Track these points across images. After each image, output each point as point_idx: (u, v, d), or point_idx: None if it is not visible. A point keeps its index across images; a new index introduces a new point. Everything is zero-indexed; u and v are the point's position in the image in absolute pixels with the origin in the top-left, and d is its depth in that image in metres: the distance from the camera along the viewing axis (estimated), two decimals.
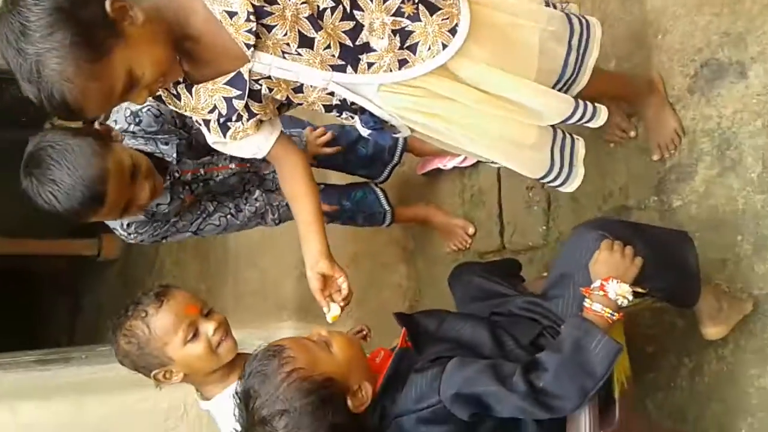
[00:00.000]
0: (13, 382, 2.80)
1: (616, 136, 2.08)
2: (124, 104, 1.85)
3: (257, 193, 2.20)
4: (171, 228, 2.06)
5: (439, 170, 2.63)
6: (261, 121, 1.53)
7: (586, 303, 1.34)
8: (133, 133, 1.88)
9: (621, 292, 1.32)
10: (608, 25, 2.03)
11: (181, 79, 1.46)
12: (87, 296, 6.19)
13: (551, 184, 1.74)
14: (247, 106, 1.47)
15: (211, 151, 2.01)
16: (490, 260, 2.11)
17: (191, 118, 1.83)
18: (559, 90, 1.63)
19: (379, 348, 1.56)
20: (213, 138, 1.55)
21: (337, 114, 1.61)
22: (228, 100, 1.45)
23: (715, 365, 1.84)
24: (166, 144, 1.92)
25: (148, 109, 1.86)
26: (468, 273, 1.82)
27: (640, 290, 1.37)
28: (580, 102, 1.62)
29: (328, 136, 2.32)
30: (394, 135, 1.74)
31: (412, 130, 1.66)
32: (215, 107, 1.47)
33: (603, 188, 2.13)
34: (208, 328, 1.63)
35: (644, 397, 1.97)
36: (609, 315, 1.31)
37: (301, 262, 3.26)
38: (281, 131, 1.59)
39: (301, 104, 1.57)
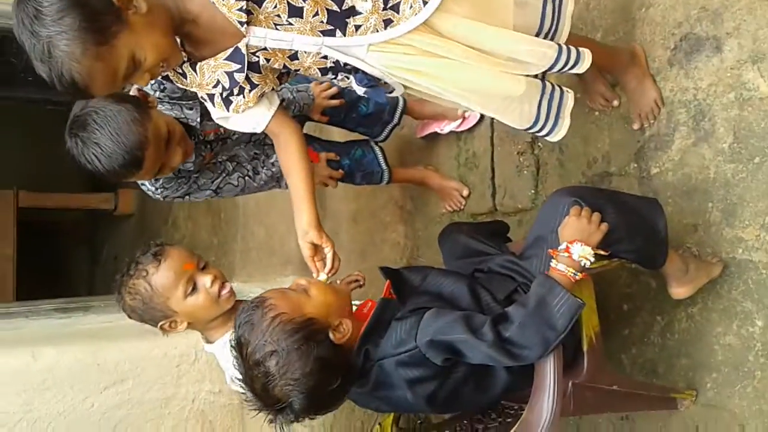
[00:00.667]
0: (34, 329, 2.99)
1: (600, 105, 2.16)
2: None
3: (274, 157, 2.29)
4: (193, 185, 2.16)
5: (436, 134, 2.71)
6: (262, 94, 1.64)
7: (552, 263, 1.46)
8: (160, 99, 1.97)
9: (584, 253, 1.43)
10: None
11: (185, 59, 1.57)
12: (105, 248, 6.38)
13: (537, 134, 1.82)
14: (248, 78, 1.58)
15: None
16: (480, 221, 2.21)
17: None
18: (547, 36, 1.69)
19: (368, 299, 1.69)
20: (217, 113, 1.66)
21: (333, 76, 1.69)
22: (230, 74, 1.56)
23: (684, 323, 1.95)
24: (191, 109, 2.01)
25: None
26: (456, 231, 1.93)
27: (602, 252, 1.48)
28: (563, 46, 1.68)
29: (333, 90, 2.40)
30: (388, 93, 1.81)
31: (406, 87, 1.74)
32: (218, 82, 1.58)
33: (587, 155, 2.22)
34: (205, 281, 1.77)
35: (619, 351, 2.10)
36: (572, 274, 1.43)
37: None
38: (278, 107, 1.70)
39: (298, 70, 1.66)
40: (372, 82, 1.70)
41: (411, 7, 1.53)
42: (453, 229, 1.96)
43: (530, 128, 1.77)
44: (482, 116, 2.58)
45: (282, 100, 1.77)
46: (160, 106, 1.98)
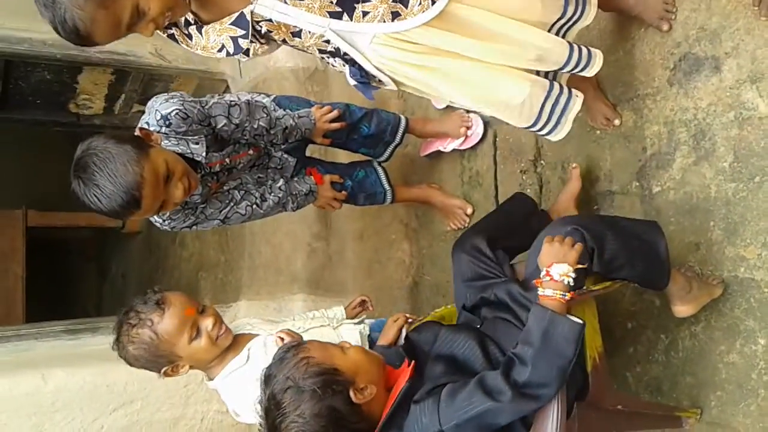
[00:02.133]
0: (44, 350, 3.01)
1: (602, 124, 2.17)
2: (155, 108, 1.98)
3: (281, 182, 2.33)
4: (200, 215, 2.18)
5: (440, 152, 2.74)
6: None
7: (539, 291, 1.46)
8: (166, 134, 1.99)
9: (563, 272, 1.44)
10: (596, 19, 2.12)
11: (192, 21, 1.59)
12: (113, 265, 6.43)
13: (537, 133, 1.82)
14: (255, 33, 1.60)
15: (231, 142, 2.16)
16: (489, 216, 2.12)
17: (213, 116, 2.02)
18: (565, 25, 1.71)
19: (404, 366, 1.61)
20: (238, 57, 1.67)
21: (329, 58, 1.70)
22: (234, 40, 1.59)
23: (688, 341, 1.96)
24: (197, 144, 2.03)
25: (176, 113, 1.97)
26: (459, 250, 1.89)
27: (581, 266, 1.48)
28: (575, 46, 1.68)
29: (335, 113, 2.42)
30: (373, 91, 1.81)
31: (398, 86, 1.75)
32: (223, 46, 1.60)
33: (590, 173, 2.23)
34: (207, 324, 1.80)
35: (624, 369, 2.11)
36: (561, 296, 1.43)
37: (312, 238, 3.45)
38: None
39: (296, 47, 1.68)
40: (364, 78, 1.71)
41: (420, 3, 1.55)
42: (458, 247, 1.93)
43: (529, 127, 1.78)
44: (485, 134, 2.61)
45: None
46: (165, 141, 2.00)
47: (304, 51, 1.71)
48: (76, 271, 6.89)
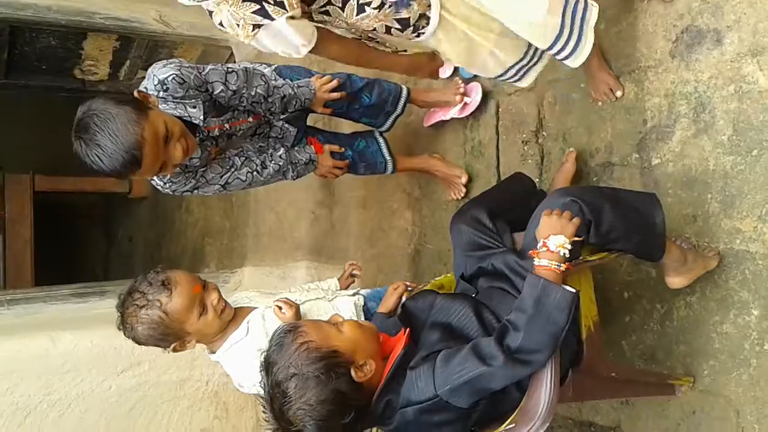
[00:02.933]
0: (52, 313, 3.09)
1: (604, 95, 2.18)
2: (153, 73, 2.02)
3: (281, 150, 2.35)
4: (201, 179, 2.21)
5: (443, 122, 2.75)
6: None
7: (535, 261, 1.49)
8: (163, 98, 2.03)
9: (560, 243, 1.47)
10: None
11: None
12: (120, 229, 6.49)
13: (558, 56, 1.84)
14: None
15: (230, 108, 2.18)
16: (486, 191, 2.15)
17: (210, 82, 2.03)
18: None
19: (402, 333, 1.64)
20: (277, 20, 1.70)
21: None
22: None
23: (683, 311, 2.00)
24: (194, 107, 2.07)
25: (173, 78, 2.00)
26: (460, 221, 1.91)
27: (577, 239, 1.51)
28: None
29: (334, 83, 2.43)
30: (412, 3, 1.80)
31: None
32: None
33: (590, 145, 2.25)
34: (212, 299, 1.85)
35: (620, 337, 2.15)
36: (556, 266, 1.46)
37: (316, 206, 3.49)
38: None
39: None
40: None
41: None
42: (458, 218, 1.95)
43: (553, 45, 1.79)
44: (486, 104, 2.61)
45: None
46: (163, 105, 2.03)
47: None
48: (83, 235, 6.95)
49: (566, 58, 1.86)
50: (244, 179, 2.30)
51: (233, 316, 1.92)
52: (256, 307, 1.99)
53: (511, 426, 1.57)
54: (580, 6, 1.78)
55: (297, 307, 1.95)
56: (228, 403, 3.01)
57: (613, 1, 2.15)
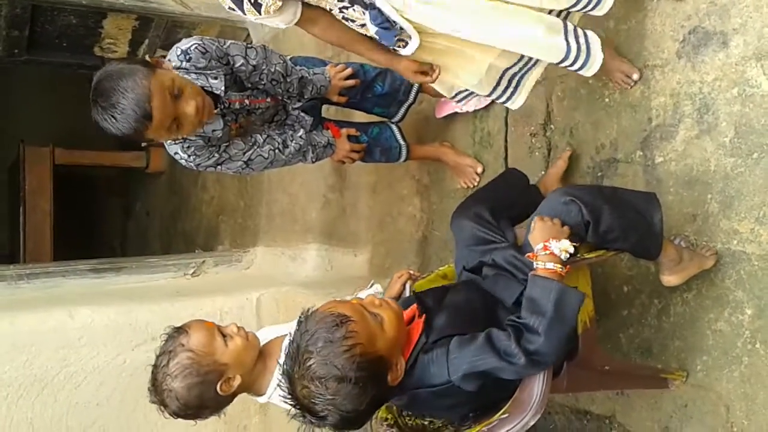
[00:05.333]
0: (70, 288, 3.19)
1: (622, 81, 2.16)
2: (175, 45, 2.10)
3: (301, 131, 2.40)
4: (224, 154, 2.26)
5: (455, 113, 2.78)
6: None
7: (538, 264, 1.53)
8: (186, 69, 2.08)
9: (563, 247, 1.52)
10: None
11: None
12: (137, 203, 6.59)
13: (571, 68, 1.87)
14: None
15: (250, 87, 2.24)
16: (487, 186, 2.21)
17: (231, 55, 2.11)
18: None
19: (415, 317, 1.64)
20: (250, 17, 1.75)
21: (348, 4, 1.75)
22: None
23: (679, 307, 2.04)
24: (215, 78, 2.12)
25: (196, 47, 2.07)
26: (462, 216, 1.94)
27: (576, 245, 1.56)
28: None
29: (348, 71, 2.48)
30: (399, 45, 1.85)
31: (420, 34, 1.78)
32: None
33: (596, 140, 2.28)
34: (232, 328, 1.77)
35: (618, 330, 2.20)
36: (560, 269, 1.51)
37: (328, 190, 3.54)
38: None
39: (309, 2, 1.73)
40: (385, 24, 1.75)
41: None
42: (460, 213, 1.98)
43: (563, 61, 1.84)
44: None
45: None
46: (186, 76, 2.07)
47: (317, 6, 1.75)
48: (102, 208, 7.07)
49: (579, 69, 1.89)
50: (266, 157, 2.34)
51: (268, 350, 1.81)
52: (285, 334, 1.82)
53: (504, 416, 1.63)
54: (580, 32, 1.82)
55: None
56: None
57: (623, 0, 2.17)
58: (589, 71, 1.88)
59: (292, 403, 1.45)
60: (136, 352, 2.92)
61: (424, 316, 1.64)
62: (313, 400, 1.41)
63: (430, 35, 1.83)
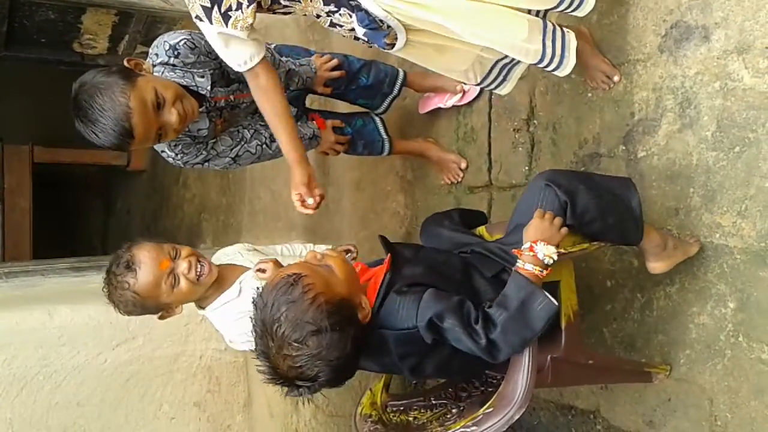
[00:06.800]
0: (50, 286, 3.14)
1: (602, 82, 2.18)
2: (163, 39, 2.04)
3: None
4: (212, 151, 2.23)
5: (438, 108, 2.78)
6: (256, 15, 1.70)
7: (519, 263, 1.53)
8: (173, 65, 2.03)
9: (548, 252, 1.52)
10: None
11: None
12: (118, 201, 6.53)
13: (546, 69, 1.89)
14: None
15: (237, 80, 2.20)
16: (459, 209, 2.25)
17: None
18: None
19: (357, 263, 1.76)
20: (215, 29, 1.70)
21: (335, 8, 1.74)
22: None
23: (662, 301, 2.05)
24: (202, 77, 2.07)
25: (185, 42, 2.01)
26: (438, 226, 1.95)
27: (563, 251, 1.56)
28: None
29: (334, 62, 2.46)
30: (386, 43, 1.84)
31: (408, 32, 1.78)
32: None
33: (579, 135, 2.28)
34: (183, 269, 1.88)
35: (601, 325, 2.20)
36: (539, 271, 1.52)
37: None
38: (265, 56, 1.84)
39: (299, 1, 1.71)
40: (373, 24, 1.74)
41: None
42: (434, 224, 1.98)
43: (539, 63, 1.85)
44: (482, 90, 2.64)
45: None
46: (170, 73, 2.03)
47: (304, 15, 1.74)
48: (82, 206, 7.00)
49: (553, 71, 1.90)
50: (254, 152, 2.32)
51: (224, 275, 1.97)
52: (247, 267, 2.02)
53: (489, 410, 1.63)
54: (558, 34, 1.83)
55: (275, 261, 1.99)
56: (221, 378, 3.07)
57: None
58: (563, 72, 1.89)
59: (280, 382, 1.46)
60: (117, 351, 2.90)
61: (389, 255, 1.68)
62: (299, 366, 1.41)
63: (416, 32, 1.82)
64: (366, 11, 1.69)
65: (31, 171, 5.42)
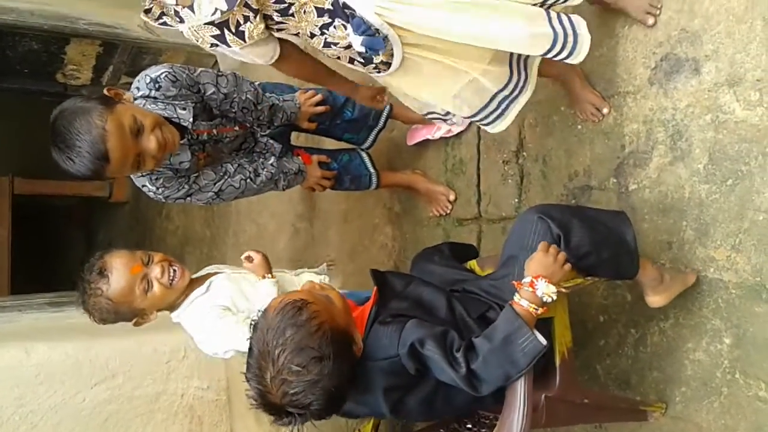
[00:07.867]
0: (28, 322, 3.07)
1: (591, 114, 2.16)
2: (144, 73, 2.02)
3: (272, 159, 2.34)
4: (194, 185, 2.18)
5: (427, 140, 2.75)
6: (265, 24, 1.68)
7: (516, 297, 1.50)
8: (154, 98, 2.01)
9: (547, 291, 1.48)
10: (581, 14, 2.12)
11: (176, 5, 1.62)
12: (100, 233, 6.44)
13: (559, 57, 1.79)
14: (247, 5, 1.59)
15: (220, 114, 2.18)
16: (449, 242, 2.26)
17: (202, 83, 2.07)
18: None
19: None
20: (235, 48, 1.68)
21: (329, 19, 1.70)
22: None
23: (657, 337, 2.01)
24: (184, 109, 2.04)
25: (166, 75, 2.00)
26: (428, 262, 1.95)
27: (563, 290, 1.52)
28: None
29: (318, 97, 2.44)
30: (383, 66, 1.82)
31: (403, 43, 1.74)
32: (216, 9, 1.57)
33: (569, 167, 2.26)
34: (155, 274, 1.89)
35: (594, 361, 2.16)
36: (534, 309, 1.48)
37: (297, 219, 3.46)
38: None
39: (292, 15, 1.69)
40: (370, 31, 1.71)
41: None
42: (425, 260, 1.97)
43: (550, 50, 1.76)
44: (470, 122, 2.62)
45: None
46: (152, 105, 2.00)
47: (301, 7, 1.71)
48: (63, 238, 6.89)
49: (567, 57, 1.80)
50: (238, 186, 2.27)
51: (197, 281, 1.98)
52: (214, 271, 2.05)
53: None
54: (564, 18, 1.78)
55: (264, 254, 2.06)
56: (203, 417, 2.99)
57: (595, 26, 2.15)
58: (578, 58, 1.79)
59: (268, 409, 1.42)
60: (96, 390, 2.83)
61: (375, 288, 1.67)
62: (296, 392, 1.38)
63: (413, 47, 1.79)
64: (361, 18, 1.66)
65: (10, 203, 5.33)
